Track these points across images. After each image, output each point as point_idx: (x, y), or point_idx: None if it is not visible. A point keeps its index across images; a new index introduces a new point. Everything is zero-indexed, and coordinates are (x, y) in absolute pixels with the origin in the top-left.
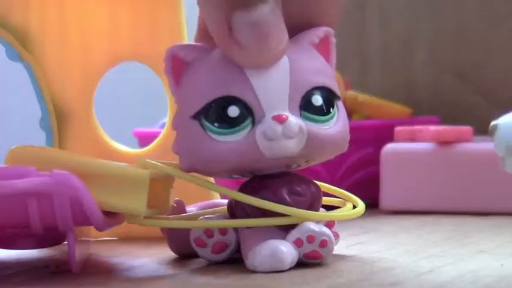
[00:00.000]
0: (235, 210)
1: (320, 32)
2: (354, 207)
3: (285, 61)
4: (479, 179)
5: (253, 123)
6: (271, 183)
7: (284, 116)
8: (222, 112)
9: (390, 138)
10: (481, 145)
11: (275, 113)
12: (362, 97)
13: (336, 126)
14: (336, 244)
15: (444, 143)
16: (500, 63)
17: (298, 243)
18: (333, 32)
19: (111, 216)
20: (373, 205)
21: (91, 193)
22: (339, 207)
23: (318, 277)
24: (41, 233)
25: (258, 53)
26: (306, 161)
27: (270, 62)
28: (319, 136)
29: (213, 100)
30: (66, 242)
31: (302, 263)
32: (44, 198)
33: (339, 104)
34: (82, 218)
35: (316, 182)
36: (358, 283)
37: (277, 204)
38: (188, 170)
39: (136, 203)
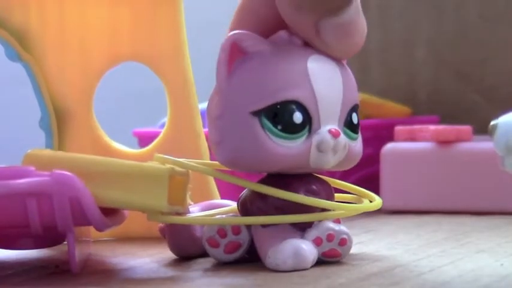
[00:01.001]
0: (250, 209)
1: None
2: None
3: (338, 73)
4: (479, 179)
5: (309, 132)
6: (290, 182)
7: (337, 131)
8: (288, 117)
9: (390, 137)
10: (480, 144)
11: (329, 126)
12: (362, 96)
13: (359, 143)
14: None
15: (444, 142)
16: (499, 62)
17: (317, 241)
18: None
19: (111, 217)
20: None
21: (110, 193)
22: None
23: (318, 277)
24: (41, 233)
25: (344, 48)
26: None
27: (353, 52)
28: (354, 153)
29: (280, 102)
30: (65, 242)
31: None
32: (43, 198)
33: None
34: (82, 218)
35: (331, 179)
36: (358, 283)
37: (314, 198)
38: (226, 163)
39: (157, 199)
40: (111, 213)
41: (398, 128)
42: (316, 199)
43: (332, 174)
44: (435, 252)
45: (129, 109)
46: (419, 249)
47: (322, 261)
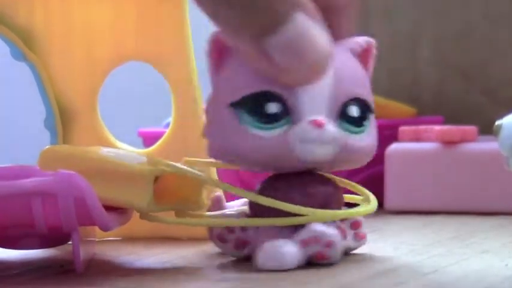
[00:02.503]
0: (252, 208)
1: (362, 41)
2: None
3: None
4: (484, 179)
5: (291, 123)
6: (284, 183)
7: (321, 122)
8: (261, 107)
9: (395, 138)
10: (485, 145)
11: (313, 117)
12: None
13: (367, 139)
14: (361, 245)
15: (449, 142)
16: (504, 62)
17: (303, 243)
18: (374, 42)
19: (116, 216)
20: (377, 205)
21: (101, 191)
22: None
23: (322, 277)
24: (46, 233)
25: (300, 71)
26: (331, 167)
27: (314, 77)
28: (351, 147)
29: (255, 93)
30: (70, 242)
31: (307, 262)
32: (48, 198)
33: (372, 117)
34: (87, 218)
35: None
36: (362, 282)
37: (287, 204)
38: (216, 157)
39: (138, 198)
40: (116, 213)
41: (402, 129)
42: (287, 204)
43: (337, 174)
44: (440, 252)
45: (134, 109)
46: (424, 249)
47: (330, 262)
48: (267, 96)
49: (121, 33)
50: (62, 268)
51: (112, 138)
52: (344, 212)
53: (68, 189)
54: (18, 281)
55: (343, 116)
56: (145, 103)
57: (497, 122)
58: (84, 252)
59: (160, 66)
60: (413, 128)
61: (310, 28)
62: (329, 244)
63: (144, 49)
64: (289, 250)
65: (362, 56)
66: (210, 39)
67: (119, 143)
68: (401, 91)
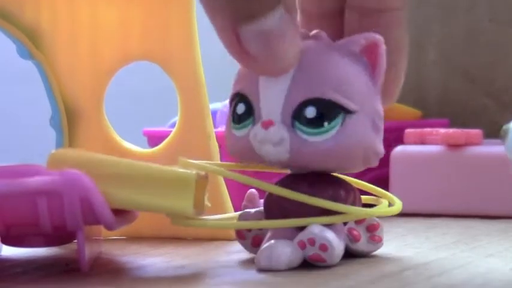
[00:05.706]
0: (272, 207)
1: (361, 39)
2: (390, 205)
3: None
4: (489, 182)
5: (253, 123)
6: (315, 182)
7: (268, 122)
8: (234, 107)
9: (400, 140)
10: (490, 148)
11: (265, 118)
12: None
13: (334, 139)
14: (377, 249)
15: (454, 146)
16: (510, 65)
17: (301, 245)
18: (379, 39)
19: (121, 215)
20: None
21: (136, 197)
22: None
23: (327, 279)
24: (51, 232)
25: (266, 63)
26: (302, 168)
27: (279, 71)
28: (304, 148)
29: (232, 94)
30: (76, 241)
31: (312, 264)
32: (53, 197)
33: (351, 117)
34: (92, 217)
35: (352, 179)
36: (367, 285)
37: (327, 201)
38: (232, 157)
39: (183, 203)
40: (121, 212)
41: (408, 131)
42: (320, 200)
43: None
44: (445, 255)
45: (139, 108)
46: (428, 252)
47: (327, 265)
48: (238, 97)
49: (128, 32)
50: (67, 267)
51: (117, 137)
52: (375, 210)
53: (73, 188)
54: (23, 280)
55: (299, 118)
56: (151, 102)
57: (505, 126)
58: (89, 251)
59: (167, 66)
60: (418, 130)
61: (286, 24)
62: (324, 247)
63: (150, 49)
64: (284, 250)
65: (366, 53)
66: None
67: (124, 142)
68: (407, 93)
